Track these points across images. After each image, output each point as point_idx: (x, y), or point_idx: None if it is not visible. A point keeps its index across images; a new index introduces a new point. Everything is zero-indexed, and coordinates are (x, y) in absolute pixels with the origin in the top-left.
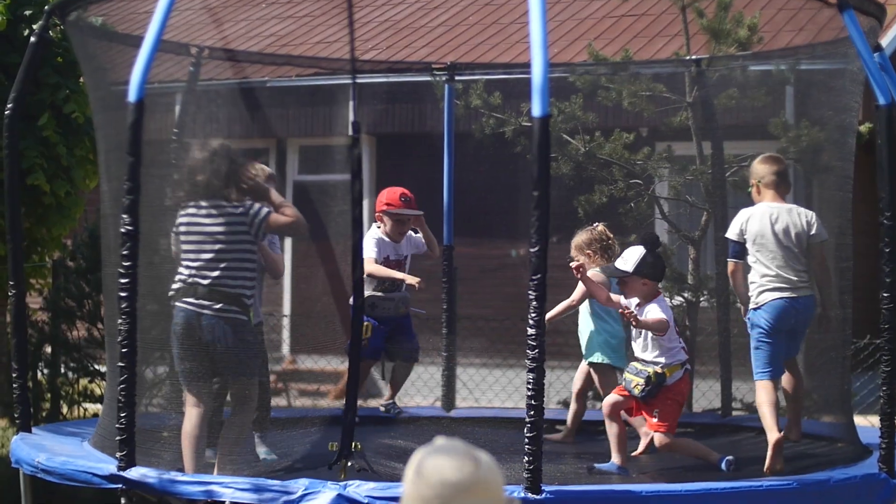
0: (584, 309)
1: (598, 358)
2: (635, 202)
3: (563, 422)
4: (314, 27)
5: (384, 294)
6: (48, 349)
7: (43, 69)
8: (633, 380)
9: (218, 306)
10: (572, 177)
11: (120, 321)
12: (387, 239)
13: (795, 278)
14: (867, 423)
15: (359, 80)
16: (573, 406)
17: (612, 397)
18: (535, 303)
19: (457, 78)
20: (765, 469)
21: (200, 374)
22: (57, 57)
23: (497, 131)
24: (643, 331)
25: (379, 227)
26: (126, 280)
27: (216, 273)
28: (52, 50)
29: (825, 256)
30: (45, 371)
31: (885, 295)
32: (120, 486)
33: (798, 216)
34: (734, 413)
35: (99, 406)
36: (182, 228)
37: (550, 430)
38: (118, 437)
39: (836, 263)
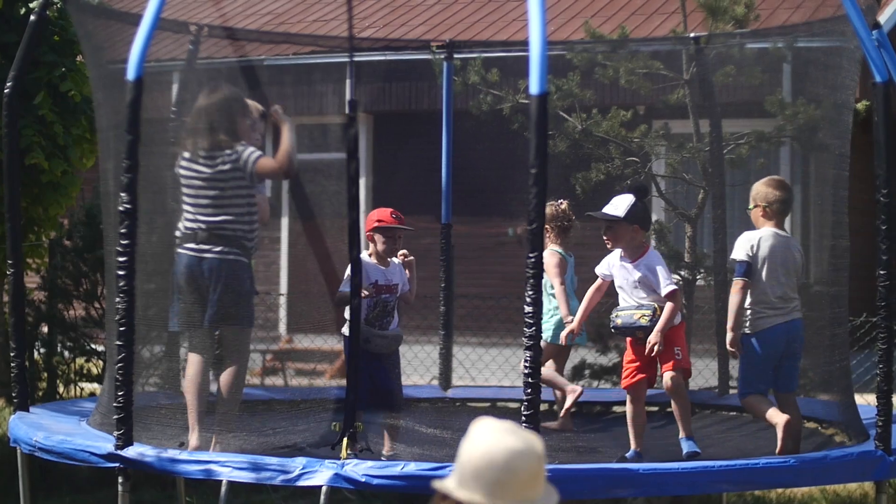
0: None
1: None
2: (632, 180)
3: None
4: (311, 5)
5: (379, 331)
6: (45, 328)
7: (39, 48)
8: (636, 313)
9: (218, 248)
10: (569, 154)
11: (118, 299)
12: (376, 263)
13: (791, 305)
14: (864, 402)
15: (356, 59)
16: (557, 392)
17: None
18: (531, 281)
19: (455, 56)
20: (777, 452)
21: (202, 321)
22: (54, 35)
23: (495, 108)
24: (636, 279)
25: (369, 252)
26: (124, 258)
27: (215, 217)
28: (49, 28)
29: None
30: (42, 350)
31: (882, 272)
32: (118, 464)
33: (796, 246)
34: (731, 392)
35: (96, 385)
36: (182, 172)
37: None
38: (115, 416)
39: (831, 241)
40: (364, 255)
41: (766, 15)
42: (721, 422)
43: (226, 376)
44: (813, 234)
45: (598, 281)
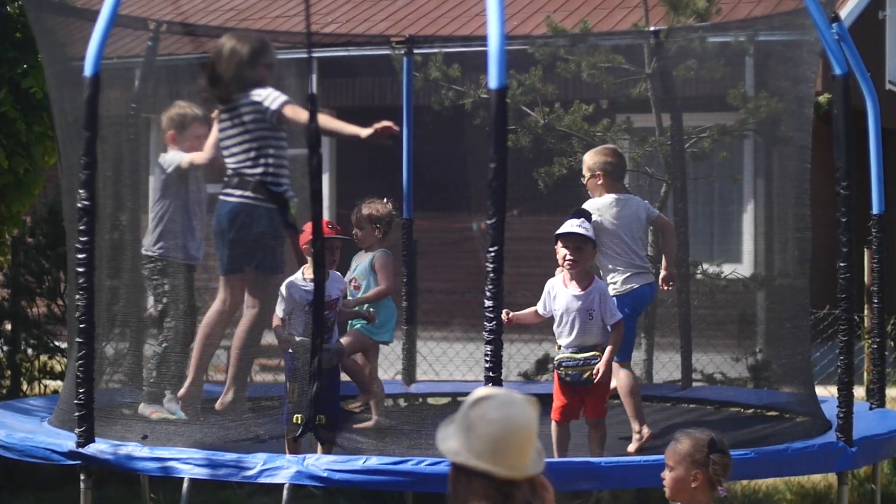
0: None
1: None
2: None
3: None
4: (273, 1)
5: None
6: (8, 326)
7: (1, 44)
8: (585, 370)
9: (238, 193)
10: (532, 149)
11: (77, 296)
12: (308, 284)
13: (647, 265)
14: (827, 394)
15: (318, 54)
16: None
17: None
18: (492, 275)
19: (415, 51)
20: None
21: (239, 266)
22: (15, 32)
23: (456, 103)
24: (591, 307)
25: (304, 268)
26: (83, 255)
27: (240, 162)
28: (11, 25)
29: (668, 225)
30: (5, 348)
31: (842, 265)
32: (79, 462)
33: (640, 203)
34: (694, 385)
35: (59, 382)
36: (219, 124)
37: None
38: (77, 414)
39: (793, 234)
40: (297, 275)
41: (728, 9)
42: (683, 414)
43: (238, 329)
44: (776, 226)
45: (533, 310)
